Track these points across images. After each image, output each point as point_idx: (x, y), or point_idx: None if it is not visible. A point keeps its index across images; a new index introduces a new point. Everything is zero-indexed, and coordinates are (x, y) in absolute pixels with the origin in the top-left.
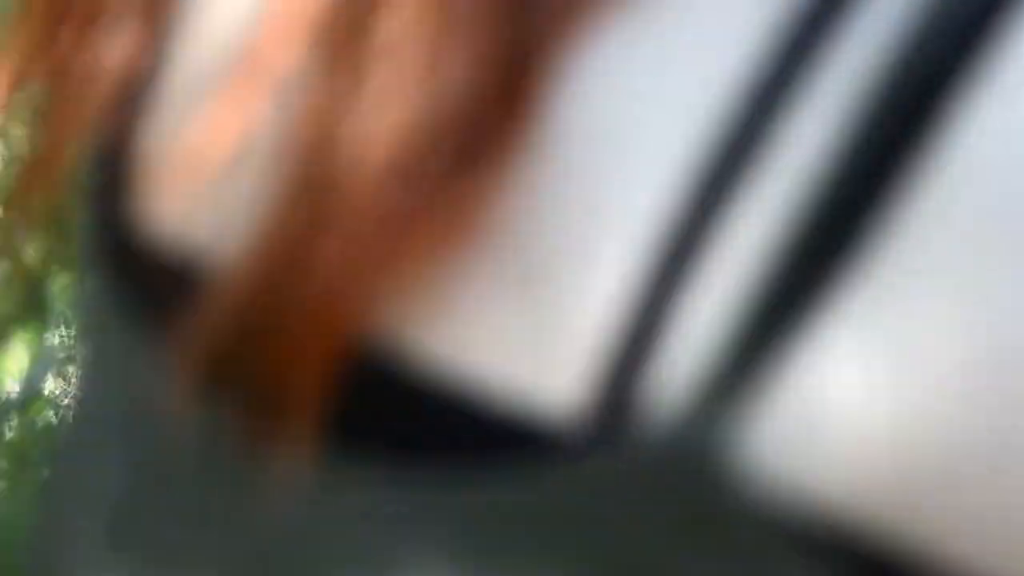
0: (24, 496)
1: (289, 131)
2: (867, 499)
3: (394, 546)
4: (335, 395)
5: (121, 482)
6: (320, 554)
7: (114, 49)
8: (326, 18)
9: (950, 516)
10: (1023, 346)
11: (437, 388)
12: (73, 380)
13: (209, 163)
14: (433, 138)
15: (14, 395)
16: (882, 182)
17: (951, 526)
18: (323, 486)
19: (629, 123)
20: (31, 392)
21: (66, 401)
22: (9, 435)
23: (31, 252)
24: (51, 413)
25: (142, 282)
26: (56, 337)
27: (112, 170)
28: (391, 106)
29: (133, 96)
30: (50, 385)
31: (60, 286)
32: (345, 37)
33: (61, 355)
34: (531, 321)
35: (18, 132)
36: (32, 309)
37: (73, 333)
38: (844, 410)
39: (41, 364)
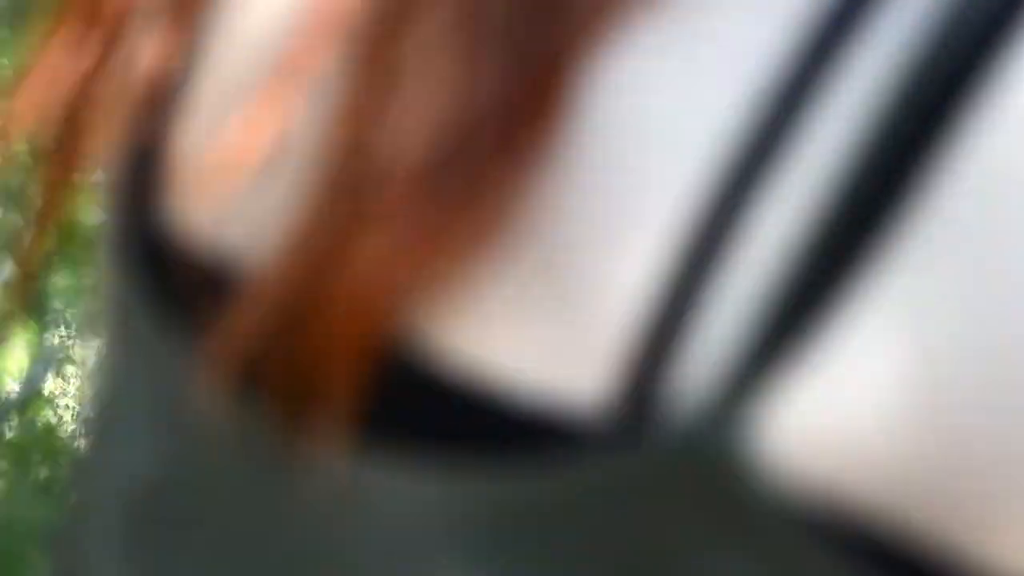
0: (24, 496)
1: (324, 133)
2: (886, 492)
3: (419, 539)
4: (367, 391)
5: (148, 478)
6: (346, 545)
7: (146, 50)
8: (361, 20)
9: (969, 507)
10: None
11: (465, 383)
12: (73, 380)
13: (245, 165)
14: (465, 140)
15: (14, 395)
16: (902, 180)
17: (969, 517)
18: (352, 479)
19: (656, 123)
20: (31, 392)
21: (66, 401)
22: (9, 435)
23: (31, 252)
24: (51, 413)
25: (174, 282)
26: (56, 337)
27: (144, 171)
28: (425, 108)
29: (165, 97)
30: (50, 385)
31: (60, 286)
32: (380, 40)
33: (61, 355)
34: (557, 318)
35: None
36: (32, 309)
37: (73, 333)
38: (863, 404)
39: (41, 364)
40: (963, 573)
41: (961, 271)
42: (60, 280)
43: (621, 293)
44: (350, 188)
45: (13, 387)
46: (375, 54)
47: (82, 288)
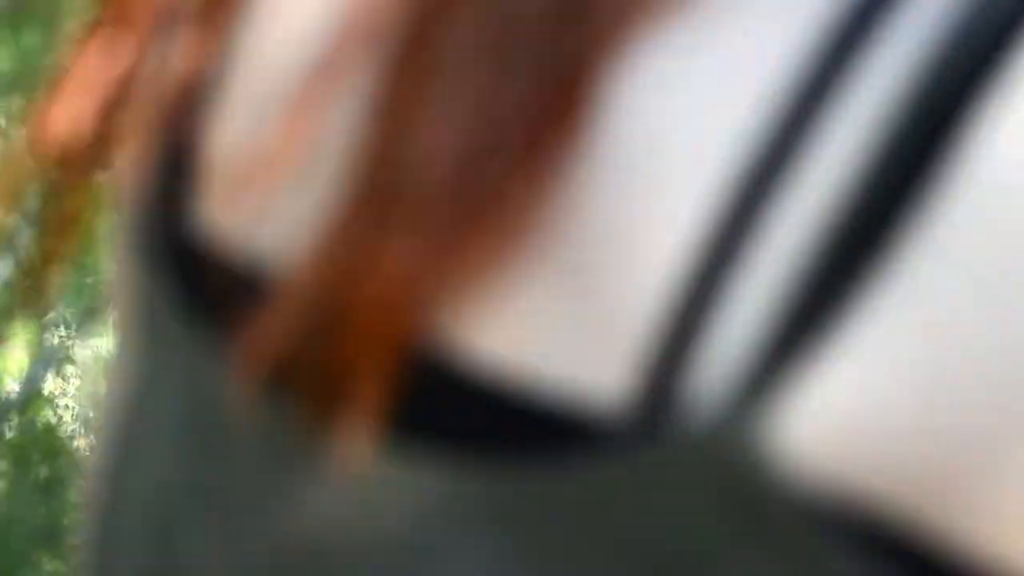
0: (24, 496)
1: (356, 138)
2: (896, 488)
3: (443, 535)
4: (394, 391)
5: (175, 477)
6: (371, 542)
7: (178, 54)
8: (392, 28)
9: (978, 503)
10: None
11: (489, 381)
12: (73, 380)
13: (279, 169)
14: (494, 143)
15: (14, 395)
16: (916, 181)
17: (979, 514)
18: (376, 476)
19: (677, 126)
20: (31, 392)
21: (66, 401)
22: (9, 435)
23: (32, 252)
24: (51, 413)
25: (204, 283)
26: (56, 337)
27: (175, 174)
28: (454, 112)
29: (197, 101)
30: (50, 385)
31: (60, 286)
32: (410, 45)
33: (61, 355)
34: (580, 317)
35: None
36: (32, 309)
37: (73, 333)
38: (875, 401)
39: (41, 364)
40: (973, 569)
41: (973, 269)
42: (60, 280)
43: (642, 292)
44: (380, 191)
45: (13, 387)
46: (406, 60)
47: (82, 288)
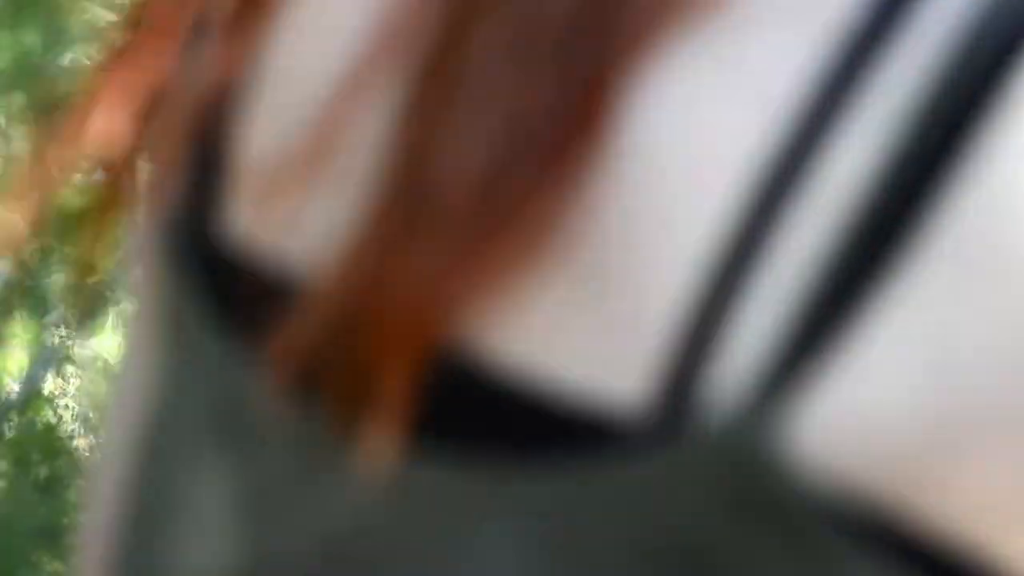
0: (24, 496)
1: (384, 146)
2: (907, 488)
3: (466, 536)
4: (420, 393)
5: (220, 483)
6: (400, 543)
7: (209, 61)
8: (421, 38)
9: (987, 505)
10: None
11: (512, 384)
12: (73, 380)
13: (307, 177)
14: (519, 151)
15: (14, 395)
16: (925, 192)
17: (989, 515)
18: (403, 479)
19: (696, 135)
20: (31, 392)
21: (66, 401)
22: (9, 435)
23: (32, 252)
24: (51, 413)
25: (233, 288)
26: (56, 337)
27: (203, 180)
28: (481, 123)
29: (227, 107)
30: (50, 385)
31: (60, 286)
32: (439, 54)
33: (61, 355)
34: (600, 324)
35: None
36: (32, 309)
37: (73, 333)
38: (887, 403)
39: (41, 364)
40: (981, 569)
41: (981, 275)
42: (60, 280)
43: (662, 297)
44: (408, 198)
45: (13, 387)
46: (434, 68)
47: (82, 288)
